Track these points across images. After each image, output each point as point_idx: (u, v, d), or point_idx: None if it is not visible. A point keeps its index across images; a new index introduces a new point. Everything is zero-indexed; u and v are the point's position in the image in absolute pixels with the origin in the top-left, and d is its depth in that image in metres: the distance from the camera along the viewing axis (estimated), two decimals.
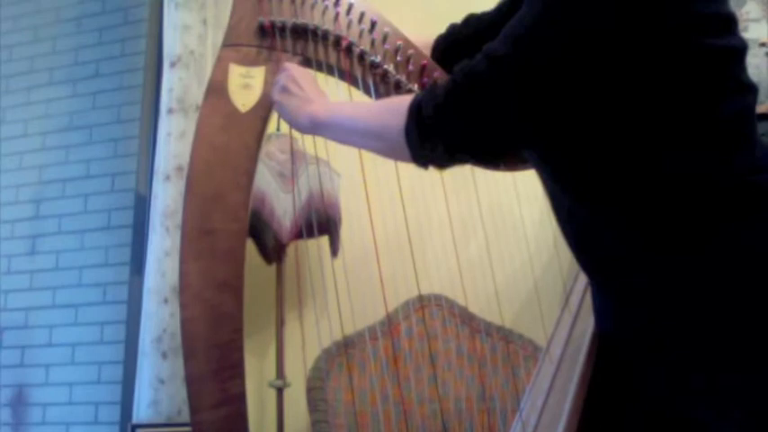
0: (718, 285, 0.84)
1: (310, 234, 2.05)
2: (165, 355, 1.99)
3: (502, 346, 2.02)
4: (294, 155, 2.12)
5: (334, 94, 1.28)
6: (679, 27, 0.84)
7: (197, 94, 2.13)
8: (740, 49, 0.90)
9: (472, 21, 1.24)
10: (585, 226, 0.98)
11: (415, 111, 0.93)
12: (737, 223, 0.84)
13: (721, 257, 0.84)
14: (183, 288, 1.14)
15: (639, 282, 0.91)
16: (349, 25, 1.24)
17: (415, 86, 1.23)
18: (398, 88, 1.24)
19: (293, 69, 1.14)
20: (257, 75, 1.21)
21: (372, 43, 1.23)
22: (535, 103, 0.86)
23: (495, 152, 0.98)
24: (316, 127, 1.09)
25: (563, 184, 0.99)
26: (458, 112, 0.89)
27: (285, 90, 1.12)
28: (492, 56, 0.87)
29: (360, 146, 1.07)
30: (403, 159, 0.98)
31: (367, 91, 1.25)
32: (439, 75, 1.21)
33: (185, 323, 1.13)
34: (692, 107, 0.86)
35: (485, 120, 0.89)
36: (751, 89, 0.91)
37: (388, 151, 1.01)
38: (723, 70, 0.87)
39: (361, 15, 1.23)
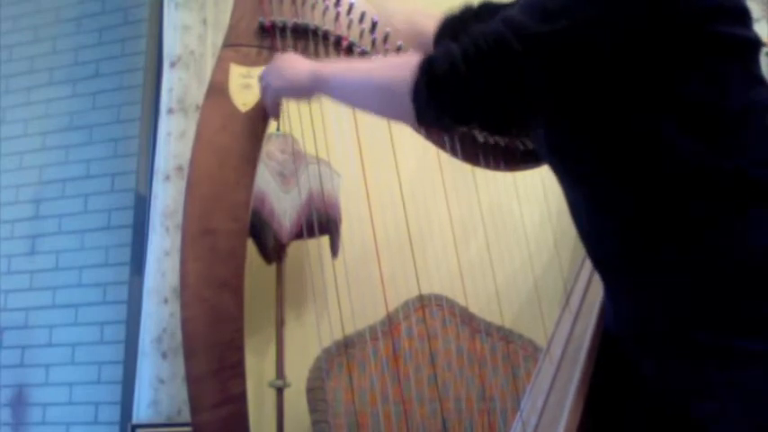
0: (719, 282, 0.84)
1: (310, 234, 2.05)
2: (165, 355, 1.99)
3: (502, 346, 2.02)
4: (294, 155, 2.12)
5: None
6: (690, 13, 0.84)
7: (197, 94, 2.13)
8: (751, 40, 0.90)
9: (491, 8, 1.17)
10: (596, 229, 0.98)
11: (426, 69, 0.91)
12: (741, 218, 0.84)
13: (722, 254, 0.84)
14: (184, 288, 1.14)
15: (643, 280, 0.92)
16: (350, 25, 1.24)
17: None
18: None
19: (279, 57, 1.15)
20: (258, 75, 1.21)
21: (373, 43, 1.23)
22: (559, 80, 0.87)
23: (503, 123, 0.98)
24: (317, 82, 1.07)
25: (570, 175, 0.99)
26: (475, 80, 0.88)
27: (274, 69, 1.13)
28: (519, 29, 0.86)
29: (361, 103, 1.05)
30: (405, 119, 0.96)
31: None
32: None
33: (186, 323, 1.13)
34: (700, 93, 0.86)
35: (503, 92, 0.88)
36: (764, 84, 0.91)
37: (391, 109, 0.99)
38: (734, 59, 0.87)
39: (362, 15, 1.24)
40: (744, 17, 0.89)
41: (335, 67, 1.07)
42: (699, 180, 0.86)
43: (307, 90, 1.11)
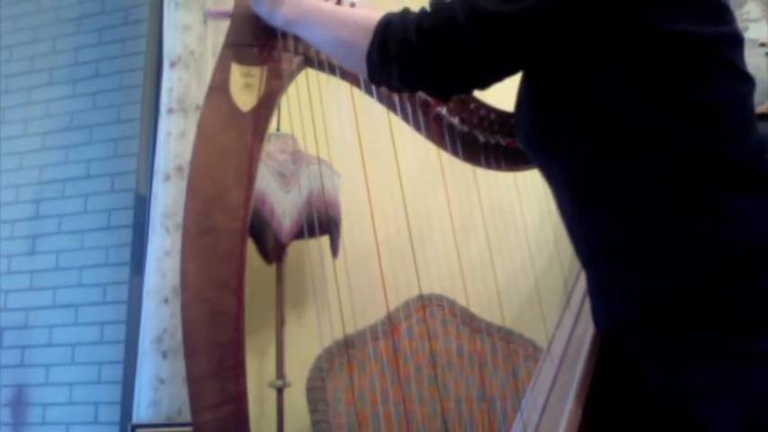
0: (713, 277, 0.84)
1: (311, 234, 2.05)
2: (165, 355, 1.99)
3: (502, 346, 2.02)
4: (294, 155, 2.12)
5: (335, 94, 1.28)
6: (653, 10, 0.86)
7: (197, 94, 2.13)
8: (730, 34, 0.91)
9: None
10: (582, 224, 0.98)
11: (381, 36, 0.96)
12: (729, 207, 0.84)
13: (714, 247, 0.84)
14: (184, 288, 1.14)
15: (633, 276, 0.91)
16: None
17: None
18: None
19: None
20: (258, 74, 1.21)
21: None
22: (507, 60, 0.93)
23: (448, 94, 1.04)
24: (287, 25, 1.15)
25: (554, 168, 1.00)
26: (423, 55, 0.93)
27: None
28: (474, 8, 0.89)
29: (325, 51, 1.17)
30: (360, 73, 1.04)
31: (368, 91, 1.25)
32: None
33: (186, 323, 1.13)
34: (681, 87, 0.87)
35: (450, 67, 0.93)
36: (747, 78, 0.92)
37: (349, 62, 1.09)
38: (714, 53, 0.88)
39: None
40: (720, 13, 0.91)
41: (305, 14, 1.12)
42: (689, 170, 0.86)
43: (278, 26, 1.17)
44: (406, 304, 2.07)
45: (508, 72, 0.96)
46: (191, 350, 1.13)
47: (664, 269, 0.87)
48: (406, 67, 0.95)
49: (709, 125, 0.87)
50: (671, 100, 0.87)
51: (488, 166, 1.27)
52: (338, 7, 1.11)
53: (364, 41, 0.98)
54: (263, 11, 1.18)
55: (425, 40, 0.92)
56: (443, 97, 1.15)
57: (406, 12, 0.96)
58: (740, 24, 2.02)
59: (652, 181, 0.88)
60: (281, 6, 1.14)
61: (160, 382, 1.97)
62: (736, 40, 0.92)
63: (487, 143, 1.26)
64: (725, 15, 0.92)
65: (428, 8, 0.94)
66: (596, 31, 0.87)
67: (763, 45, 2.12)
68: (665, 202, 0.87)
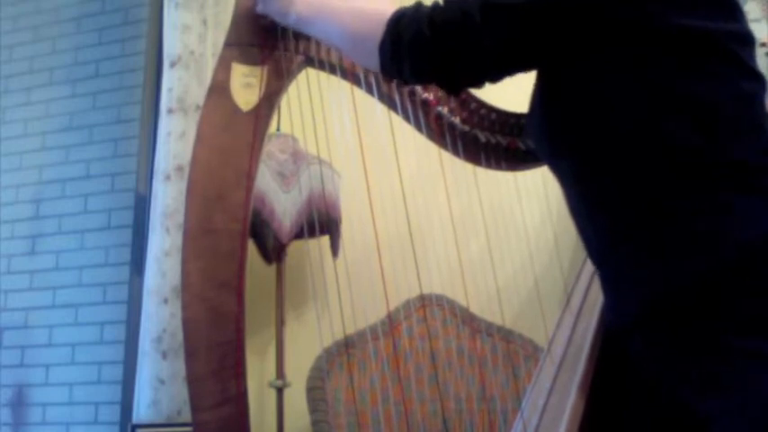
0: (713, 276, 0.83)
1: (311, 234, 2.05)
2: (165, 355, 1.99)
3: (502, 346, 2.02)
4: (295, 155, 2.12)
5: (335, 94, 1.28)
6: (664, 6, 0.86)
7: (197, 94, 2.13)
8: (740, 32, 0.91)
9: None
10: (590, 221, 0.98)
11: (394, 28, 0.97)
12: (732, 207, 0.84)
13: (715, 247, 0.84)
14: (185, 288, 1.14)
15: (630, 275, 0.91)
16: None
17: (418, 86, 1.23)
18: (400, 87, 1.24)
19: None
20: (259, 74, 1.21)
21: None
22: (519, 52, 0.93)
23: (459, 87, 1.04)
24: (298, 23, 1.15)
25: (560, 165, 1.00)
26: (436, 48, 0.93)
27: None
28: (489, 4, 0.90)
29: (336, 46, 1.16)
30: (371, 67, 1.05)
31: (369, 90, 1.25)
32: None
33: (187, 323, 1.13)
34: (684, 83, 0.87)
35: (461, 61, 0.94)
36: (757, 77, 0.92)
37: (360, 56, 1.09)
38: (721, 49, 0.88)
39: None
40: (730, 11, 0.91)
41: (319, 9, 1.12)
42: (692, 169, 0.86)
43: (290, 25, 1.18)
44: (407, 304, 2.06)
45: (519, 66, 0.97)
46: (191, 350, 1.13)
47: (666, 268, 0.87)
48: (418, 60, 0.96)
49: (712, 123, 0.87)
50: (673, 96, 0.87)
51: (489, 165, 1.27)
52: (350, 1, 1.11)
53: (377, 34, 0.98)
54: (273, 10, 1.18)
55: (438, 33, 0.92)
56: (454, 91, 1.15)
57: (419, 5, 0.97)
58: None
59: (654, 179, 0.88)
60: (294, 5, 1.14)
61: (160, 382, 1.97)
62: (746, 39, 0.92)
63: (488, 143, 1.26)
64: (735, 13, 0.92)
65: (441, 2, 0.95)
66: (604, 24, 0.87)
67: (763, 45, 2.12)
68: (668, 201, 0.87)
